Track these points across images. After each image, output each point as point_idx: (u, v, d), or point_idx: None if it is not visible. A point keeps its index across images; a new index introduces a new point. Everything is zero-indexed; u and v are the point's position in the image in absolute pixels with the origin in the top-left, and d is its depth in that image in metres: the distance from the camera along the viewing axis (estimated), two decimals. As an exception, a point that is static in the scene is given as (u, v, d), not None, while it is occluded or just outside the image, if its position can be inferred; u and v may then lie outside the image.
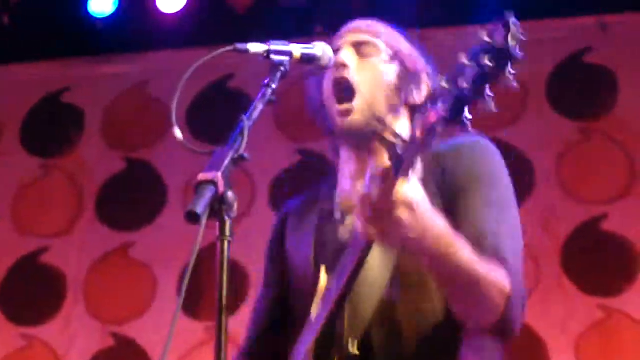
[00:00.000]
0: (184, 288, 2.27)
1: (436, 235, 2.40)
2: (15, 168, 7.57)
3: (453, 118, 2.12)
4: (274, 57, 2.65)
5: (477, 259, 2.51)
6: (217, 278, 2.30)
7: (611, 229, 6.64)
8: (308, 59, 2.76)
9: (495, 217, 2.74)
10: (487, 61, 2.06)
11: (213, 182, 2.27)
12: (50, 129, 7.65)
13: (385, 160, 2.54)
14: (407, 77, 3.00)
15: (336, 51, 2.95)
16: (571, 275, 6.63)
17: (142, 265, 7.18)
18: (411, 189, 2.28)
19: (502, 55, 2.07)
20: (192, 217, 2.19)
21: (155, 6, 7.04)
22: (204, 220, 2.21)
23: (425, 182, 2.56)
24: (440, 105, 2.12)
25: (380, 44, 3.03)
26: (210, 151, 2.41)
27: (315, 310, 2.78)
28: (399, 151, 2.25)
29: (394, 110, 2.95)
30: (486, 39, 2.08)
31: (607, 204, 6.72)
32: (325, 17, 4.78)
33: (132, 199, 7.36)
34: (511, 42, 2.09)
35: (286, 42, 2.72)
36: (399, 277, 2.71)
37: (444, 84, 2.13)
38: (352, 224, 2.79)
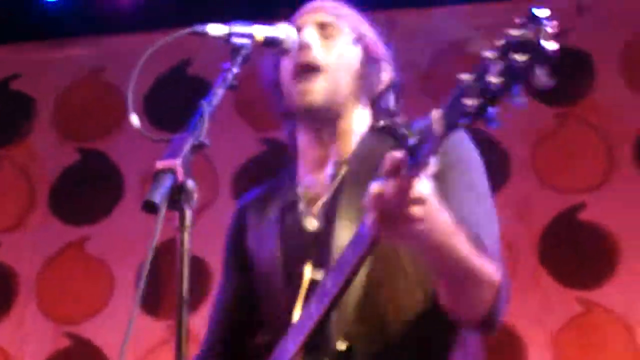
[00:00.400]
0: (142, 284, 2.28)
1: (442, 229, 2.40)
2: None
3: (480, 114, 2.03)
4: (235, 39, 2.65)
5: (474, 252, 2.52)
6: (178, 272, 2.29)
7: (589, 218, 6.60)
8: (271, 42, 2.77)
9: (475, 205, 2.78)
10: (518, 58, 1.95)
11: (172, 170, 2.25)
12: (1, 117, 7.50)
13: (349, 147, 2.99)
14: (369, 63, 3.05)
15: (298, 30, 2.95)
16: (549, 267, 6.63)
17: (98, 261, 7.11)
18: (424, 186, 2.24)
19: (535, 53, 1.95)
20: (150, 207, 2.18)
21: None
22: (162, 211, 2.21)
23: None
24: (467, 100, 2.02)
25: (344, 26, 3.05)
26: (169, 139, 2.39)
27: (300, 306, 2.80)
28: (414, 147, 2.19)
29: (355, 95, 3.02)
30: (516, 33, 1.97)
31: (585, 192, 6.68)
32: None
33: (87, 191, 7.29)
34: (544, 38, 1.94)
35: (248, 24, 2.71)
36: (378, 271, 2.74)
37: (470, 78, 2.04)
38: (318, 214, 2.95)
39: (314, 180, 3.02)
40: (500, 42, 1.99)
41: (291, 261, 2.94)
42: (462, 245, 2.49)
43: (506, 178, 6.74)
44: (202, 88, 2.53)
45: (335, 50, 2.99)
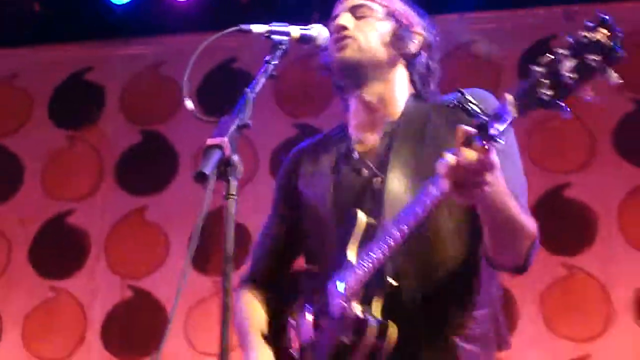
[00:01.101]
0: (194, 245, 2.31)
1: (502, 192, 2.48)
2: (44, 139, 7.50)
3: (553, 104, 2.09)
4: (274, 37, 2.68)
5: (520, 210, 2.61)
6: (224, 235, 2.31)
7: (574, 196, 6.58)
8: (305, 39, 2.78)
9: (512, 169, 2.75)
10: (593, 57, 2.01)
11: (220, 146, 2.26)
12: (75, 104, 7.58)
13: (396, 110, 3.01)
14: (401, 31, 3.03)
15: (335, 17, 3.04)
16: (538, 236, 6.57)
17: (155, 226, 7.14)
18: (495, 156, 2.28)
19: (610, 55, 2.01)
20: (201, 178, 2.19)
21: None
22: (211, 180, 2.22)
23: (446, 133, 2.77)
24: (542, 90, 2.09)
25: (374, 5, 3.05)
26: (217, 120, 2.39)
27: (355, 246, 2.82)
28: (484, 124, 2.25)
29: (390, 60, 3.02)
30: (590, 35, 2.01)
31: (571, 173, 6.67)
32: (322, 5, 4.76)
33: (147, 167, 7.31)
34: (614, 41, 2.01)
35: (286, 24, 2.74)
36: (425, 224, 2.69)
37: (543, 70, 2.10)
38: (371, 166, 2.95)
39: (367, 137, 3.02)
40: (572, 41, 2.04)
41: (344, 204, 2.94)
42: (514, 204, 2.56)
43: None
44: (245, 80, 2.57)
45: (366, 26, 3.00)
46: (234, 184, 2.32)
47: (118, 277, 7.05)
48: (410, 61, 3.05)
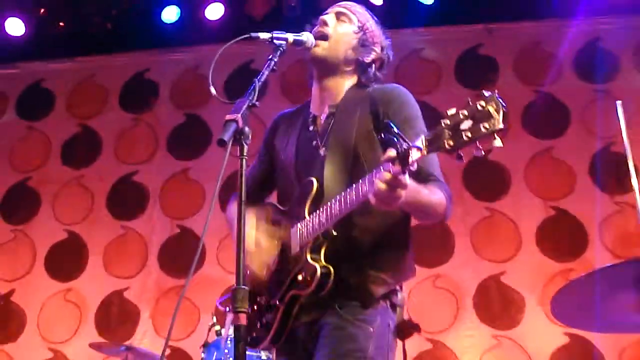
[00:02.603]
0: (216, 192, 2.44)
1: (412, 195, 2.46)
2: (116, 120, 7.54)
3: (453, 152, 2.15)
4: (275, 41, 2.70)
5: (428, 191, 2.62)
6: (238, 185, 2.33)
7: (493, 158, 6.62)
8: (298, 43, 2.82)
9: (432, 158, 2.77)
10: (485, 126, 2.06)
11: (235, 120, 2.31)
12: (138, 95, 7.61)
13: (340, 95, 2.99)
14: (365, 43, 3.00)
15: (323, 14, 3.05)
16: (469, 188, 6.64)
17: (195, 182, 7.16)
18: (406, 177, 2.35)
19: (497, 128, 2.06)
20: (221, 143, 2.26)
21: (204, 15, 7.06)
22: (229, 145, 2.27)
23: (364, 119, 2.81)
24: (445, 140, 2.16)
25: (354, 17, 3.04)
26: (234, 102, 2.41)
27: (308, 206, 2.80)
28: (404, 152, 2.29)
29: (348, 62, 2.99)
30: (482, 106, 2.07)
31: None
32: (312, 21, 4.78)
33: (190, 139, 7.32)
34: (500, 116, 2.06)
35: (284, 32, 2.77)
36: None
37: (448, 123, 2.15)
38: (318, 136, 2.96)
39: (319, 116, 3.02)
40: (471, 105, 2.10)
41: (301, 165, 2.96)
42: (424, 194, 2.58)
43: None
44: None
45: (341, 29, 2.99)
46: (245, 148, 2.34)
47: (169, 218, 7.08)
48: (363, 67, 3.01)
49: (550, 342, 6.10)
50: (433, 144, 2.20)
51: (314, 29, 2.98)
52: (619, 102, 2.62)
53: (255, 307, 2.93)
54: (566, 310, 2.23)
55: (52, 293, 6.96)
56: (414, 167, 2.30)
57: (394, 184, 2.33)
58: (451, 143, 2.12)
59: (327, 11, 3.08)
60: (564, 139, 6.72)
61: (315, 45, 2.92)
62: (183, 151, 7.26)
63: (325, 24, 2.99)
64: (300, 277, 2.74)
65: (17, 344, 6.83)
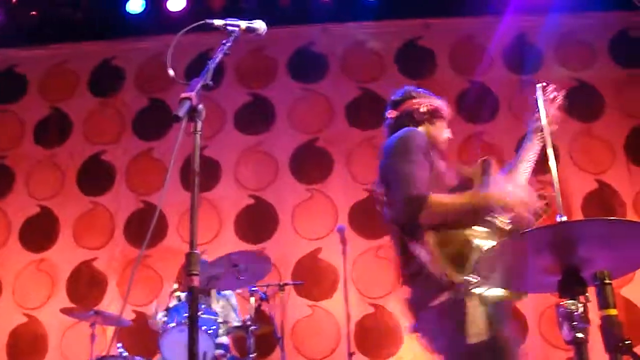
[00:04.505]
0: (170, 166, 2.67)
1: None
2: (84, 104, 7.41)
3: None
4: (229, 27, 2.63)
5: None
6: (192, 158, 2.29)
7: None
8: (250, 29, 2.70)
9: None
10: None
11: (189, 98, 2.25)
12: (105, 80, 7.48)
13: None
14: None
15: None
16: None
17: (159, 161, 7.08)
18: None
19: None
20: (176, 119, 2.20)
21: (166, 7, 6.96)
22: (184, 121, 2.22)
23: None
24: None
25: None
26: (189, 82, 2.34)
27: None
28: None
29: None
30: None
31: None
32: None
33: (153, 121, 7.21)
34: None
35: (237, 19, 2.68)
36: None
37: None
38: None
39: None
40: None
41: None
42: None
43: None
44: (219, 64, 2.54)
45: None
46: (199, 124, 2.30)
47: (134, 194, 7.01)
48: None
49: (481, 306, 6.16)
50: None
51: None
52: (538, 85, 2.65)
53: None
54: (489, 271, 2.25)
55: (26, 263, 6.89)
56: None
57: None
58: None
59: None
60: (494, 124, 6.79)
61: None
62: (147, 132, 7.18)
63: None
64: None
65: (-7, 310, 6.77)
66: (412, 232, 2.74)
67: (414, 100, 3.21)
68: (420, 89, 3.29)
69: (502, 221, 2.69)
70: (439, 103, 3.23)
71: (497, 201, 2.69)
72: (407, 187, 2.70)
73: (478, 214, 2.70)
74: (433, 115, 3.17)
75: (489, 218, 2.69)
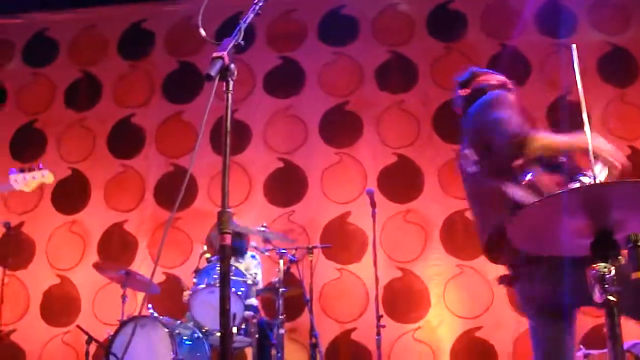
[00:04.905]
0: (202, 127, 2.51)
1: None
2: (115, 67, 7.45)
3: None
4: None
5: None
6: (224, 119, 2.26)
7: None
8: None
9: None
10: None
11: (221, 57, 2.21)
12: (135, 43, 7.50)
13: None
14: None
15: None
16: (438, 132, 6.64)
17: (189, 124, 7.10)
18: None
19: None
20: (208, 77, 2.17)
21: None
22: (216, 79, 2.19)
23: None
24: None
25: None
26: (220, 42, 2.29)
27: None
28: None
29: None
30: None
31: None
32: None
33: (183, 84, 7.21)
34: None
35: None
36: None
37: None
38: None
39: None
40: None
41: None
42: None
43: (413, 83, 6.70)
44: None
45: None
46: (231, 83, 2.27)
47: (164, 157, 7.05)
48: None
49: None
50: None
51: None
52: (573, 46, 2.60)
53: None
54: (520, 233, 2.24)
55: (59, 225, 6.99)
56: None
57: None
58: None
59: None
60: (524, 89, 6.70)
61: None
62: (177, 95, 7.19)
63: None
64: None
65: (27, 270, 6.89)
66: (514, 172, 2.79)
67: (481, 77, 3.26)
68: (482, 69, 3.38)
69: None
70: (504, 78, 3.27)
71: (598, 147, 2.77)
72: (511, 127, 2.80)
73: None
74: (504, 87, 3.19)
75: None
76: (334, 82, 7.01)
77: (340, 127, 6.85)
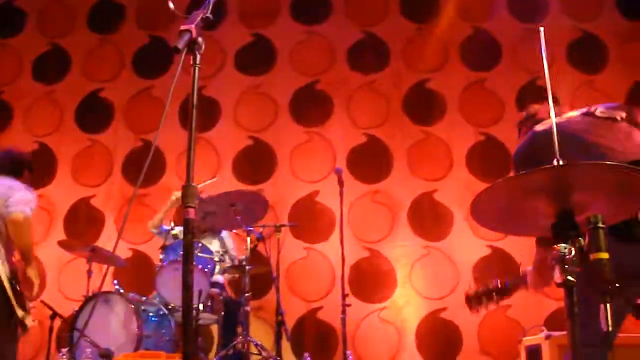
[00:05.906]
0: (168, 100, 2.40)
1: None
2: (85, 42, 7.34)
3: None
4: None
5: None
6: (192, 90, 2.26)
7: (433, 87, 6.54)
8: None
9: None
10: None
11: (189, 30, 2.22)
12: (105, 17, 7.39)
13: None
14: None
15: None
16: (407, 113, 6.65)
17: (158, 99, 7.02)
18: None
19: None
20: (176, 50, 2.18)
21: None
22: (183, 52, 2.19)
23: None
24: None
25: None
26: (190, 15, 2.29)
27: None
28: None
29: None
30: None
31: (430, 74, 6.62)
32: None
33: (153, 59, 7.14)
34: None
35: None
36: None
37: None
38: None
39: None
40: None
41: None
42: None
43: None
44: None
45: None
46: (198, 57, 2.26)
47: (132, 132, 7.00)
48: None
49: (474, 253, 6.28)
50: None
51: None
52: (541, 28, 2.61)
53: None
54: (484, 213, 2.25)
55: (24, 199, 6.87)
56: None
57: None
58: None
59: None
60: (496, 72, 6.76)
61: None
62: (147, 70, 7.13)
63: None
64: None
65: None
66: None
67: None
68: None
69: None
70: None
71: None
72: None
73: None
74: None
75: None
76: (306, 60, 6.98)
77: (310, 106, 6.84)
